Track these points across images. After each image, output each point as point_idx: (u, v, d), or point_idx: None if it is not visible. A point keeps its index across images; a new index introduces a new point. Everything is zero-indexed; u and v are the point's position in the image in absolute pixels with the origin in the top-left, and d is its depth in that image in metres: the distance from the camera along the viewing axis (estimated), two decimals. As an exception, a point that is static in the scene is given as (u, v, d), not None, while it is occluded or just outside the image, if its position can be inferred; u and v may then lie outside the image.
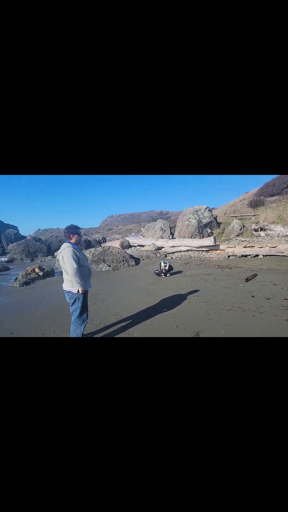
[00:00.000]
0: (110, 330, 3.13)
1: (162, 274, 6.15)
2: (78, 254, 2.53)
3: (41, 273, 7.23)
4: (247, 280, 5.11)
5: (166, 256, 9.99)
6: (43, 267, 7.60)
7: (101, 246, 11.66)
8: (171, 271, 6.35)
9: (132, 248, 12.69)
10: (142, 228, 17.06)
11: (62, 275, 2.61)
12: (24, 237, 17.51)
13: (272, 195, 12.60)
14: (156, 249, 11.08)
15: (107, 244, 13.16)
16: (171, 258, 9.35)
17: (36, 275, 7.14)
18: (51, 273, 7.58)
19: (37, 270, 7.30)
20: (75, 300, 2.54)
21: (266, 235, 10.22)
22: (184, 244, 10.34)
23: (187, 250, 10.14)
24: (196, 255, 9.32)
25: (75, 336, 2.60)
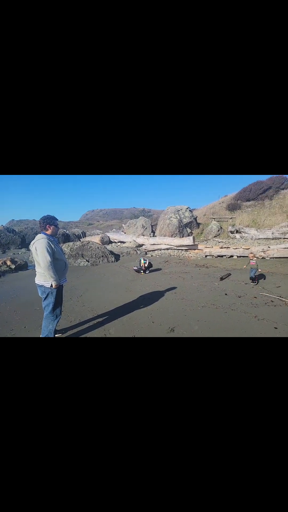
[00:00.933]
0: (85, 326, 3.05)
1: (142, 271, 6.17)
2: (53, 246, 2.40)
3: (13, 266, 6.79)
4: (221, 279, 5.35)
5: (146, 253, 10.04)
6: (16, 259, 7.14)
7: (80, 240, 11.31)
8: (150, 268, 6.39)
9: (113, 244, 12.53)
10: (123, 225, 16.93)
11: (35, 269, 2.47)
12: (-5, 227, 16.24)
13: (248, 200, 13.35)
14: (136, 246, 11.08)
15: (87, 239, 12.82)
16: (151, 256, 9.42)
17: (7, 268, 6.69)
18: (24, 266, 7.16)
19: (8, 262, 6.84)
20: (47, 295, 2.42)
21: (241, 237, 10.82)
22: (164, 242, 10.49)
23: (167, 249, 10.30)
24: (175, 254, 9.51)
25: (47, 332, 2.48)
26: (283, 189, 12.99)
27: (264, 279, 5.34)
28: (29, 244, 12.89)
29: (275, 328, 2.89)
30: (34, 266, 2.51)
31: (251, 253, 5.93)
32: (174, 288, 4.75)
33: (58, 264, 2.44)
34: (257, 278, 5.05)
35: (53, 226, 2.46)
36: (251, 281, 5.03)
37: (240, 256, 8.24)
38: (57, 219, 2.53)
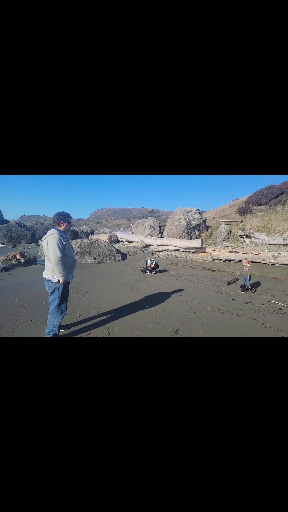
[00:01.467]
0: (90, 323, 3.07)
1: (148, 271, 6.15)
2: (64, 242, 2.43)
3: (22, 260, 6.93)
4: (229, 283, 5.26)
5: (153, 254, 10.01)
6: (25, 254, 7.29)
7: (88, 238, 11.42)
8: (156, 269, 6.37)
9: (120, 243, 12.58)
10: (131, 224, 16.97)
11: (44, 264, 2.51)
12: (7, 222, 16.69)
13: (260, 204, 13.06)
14: (144, 246, 11.07)
15: (95, 236, 12.93)
16: (158, 257, 9.39)
17: (17, 262, 6.84)
18: (33, 260, 7.30)
19: (18, 256, 6.99)
20: (54, 290, 2.45)
21: (250, 242, 10.59)
22: (172, 243, 10.43)
23: (174, 250, 10.24)
24: (182, 256, 9.44)
25: (51, 326, 2.51)
26: (297, 194, 12.63)
27: (254, 290, 4.76)
28: (39, 239, 13.18)
29: (283, 337, 2.80)
30: (43, 261, 2.55)
31: (245, 258, 5.64)
32: (180, 290, 4.70)
33: (67, 261, 2.47)
34: (253, 287, 4.76)
35: (66, 223, 2.51)
36: (241, 289, 4.69)
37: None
38: (71, 217, 2.57)
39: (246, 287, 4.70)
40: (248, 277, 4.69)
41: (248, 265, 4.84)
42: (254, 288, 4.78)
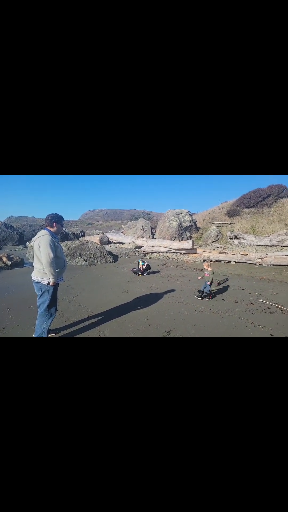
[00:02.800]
0: (80, 326, 3.00)
1: (140, 273, 6.13)
2: (55, 243, 2.38)
3: (9, 263, 6.71)
4: (219, 284, 5.34)
5: (145, 255, 10.01)
6: (12, 256, 7.07)
7: (79, 239, 11.25)
8: (148, 270, 6.36)
9: (111, 244, 12.49)
10: (123, 226, 16.91)
11: (32, 266, 2.43)
12: (-7, 223, 16.09)
13: (248, 207, 13.44)
14: (135, 248, 11.06)
15: (86, 238, 12.77)
16: (150, 258, 9.40)
17: (3, 265, 6.61)
18: (21, 263, 7.09)
19: (4, 259, 6.75)
20: (43, 292, 2.38)
21: (239, 243, 10.86)
22: (163, 245, 10.48)
23: (166, 251, 10.29)
24: (174, 257, 9.50)
25: (40, 330, 2.43)
26: (282, 197, 13.12)
27: (210, 297, 4.25)
28: (27, 241, 12.82)
29: (271, 335, 2.87)
30: (31, 263, 2.48)
31: (205, 260, 4.79)
32: (171, 291, 4.72)
33: (58, 262, 2.42)
34: (211, 295, 4.22)
35: (59, 225, 2.47)
36: (198, 294, 4.23)
37: (238, 262, 8.26)
38: (64, 219, 2.53)
39: (204, 294, 4.18)
40: (209, 283, 4.17)
41: (209, 268, 4.24)
42: (211, 296, 4.26)
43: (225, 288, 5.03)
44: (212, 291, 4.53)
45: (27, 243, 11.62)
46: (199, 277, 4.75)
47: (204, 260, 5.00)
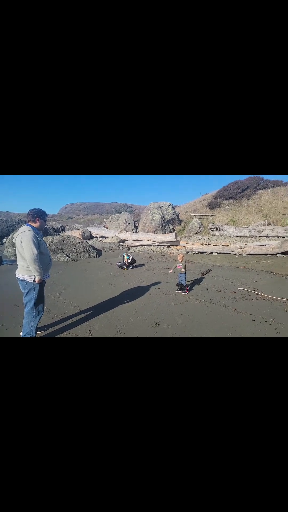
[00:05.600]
0: (68, 322, 2.96)
1: (125, 267, 6.13)
2: (39, 239, 2.28)
3: (-15, 261, 6.29)
4: (202, 274, 5.55)
5: (129, 249, 9.98)
6: (-11, 253, 6.63)
7: (59, 235, 10.85)
8: (133, 264, 6.38)
9: (94, 239, 12.23)
10: (105, 219, 16.59)
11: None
12: None
13: (228, 199, 13.90)
14: (119, 242, 10.96)
15: (67, 233, 12.33)
16: (134, 251, 9.40)
17: (-21, 263, 6.18)
18: (-1, 261, 6.69)
19: (-20, 256, 6.32)
20: (29, 290, 2.30)
21: (220, 234, 11.27)
22: (147, 238, 10.52)
23: (150, 244, 10.36)
24: (158, 250, 9.60)
25: (28, 329, 2.36)
26: (259, 189, 13.75)
27: (187, 291, 4.18)
28: (2, 237, 12.02)
29: (253, 320, 3.08)
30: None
31: (180, 253, 4.61)
32: (157, 283, 4.80)
33: (43, 259, 2.33)
34: (187, 288, 4.17)
35: (42, 220, 2.37)
36: (177, 288, 4.17)
37: (220, 253, 8.59)
38: (47, 215, 2.42)
39: (181, 286, 4.15)
40: (183, 270, 4.04)
41: (183, 261, 4.10)
42: (187, 289, 4.21)
43: (209, 278, 5.24)
44: (192, 281, 4.63)
45: (3, 239, 10.91)
46: (170, 271, 4.47)
47: (179, 253, 4.75)
